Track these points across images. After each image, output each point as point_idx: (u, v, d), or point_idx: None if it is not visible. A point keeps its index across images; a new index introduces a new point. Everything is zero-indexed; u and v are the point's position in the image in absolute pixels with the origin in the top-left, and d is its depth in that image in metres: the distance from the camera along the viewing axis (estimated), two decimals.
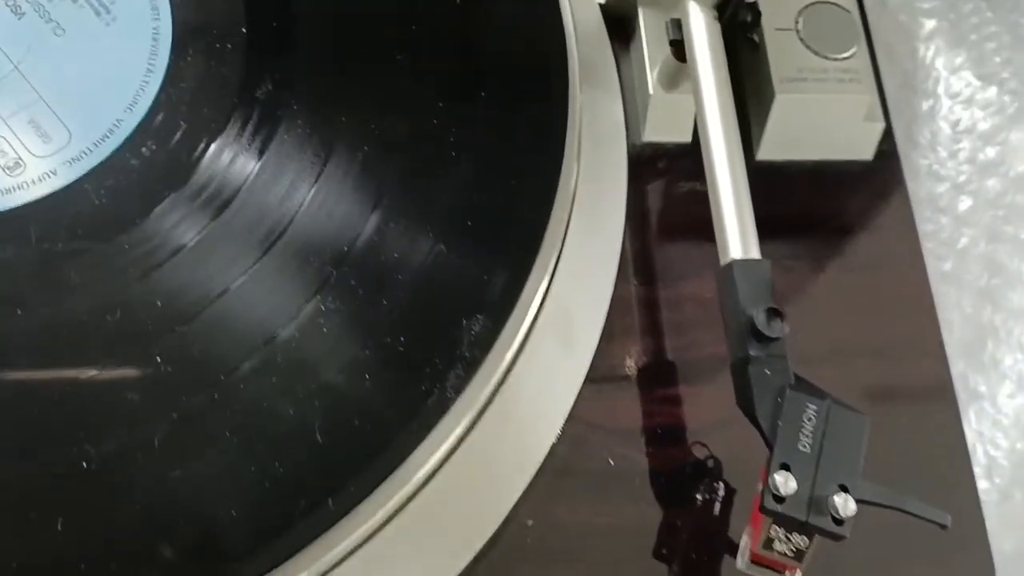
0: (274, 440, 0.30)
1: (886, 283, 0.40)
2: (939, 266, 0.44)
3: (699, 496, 0.35)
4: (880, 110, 0.41)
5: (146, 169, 0.34)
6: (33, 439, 0.30)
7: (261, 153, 0.34)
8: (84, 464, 0.29)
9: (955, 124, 0.47)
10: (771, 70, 0.39)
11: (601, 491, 0.34)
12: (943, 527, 0.29)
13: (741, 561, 0.31)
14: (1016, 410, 0.42)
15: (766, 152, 0.40)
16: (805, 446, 0.29)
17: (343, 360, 0.31)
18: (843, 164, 0.41)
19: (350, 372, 0.31)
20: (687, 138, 0.40)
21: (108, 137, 0.34)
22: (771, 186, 0.39)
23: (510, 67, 0.37)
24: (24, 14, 0.36)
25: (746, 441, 0.31)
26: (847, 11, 0.40)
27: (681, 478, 0.35)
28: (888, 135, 0.41)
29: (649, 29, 0.40)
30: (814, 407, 0.30)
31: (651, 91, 0.40)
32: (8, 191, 0.33)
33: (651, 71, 0.40)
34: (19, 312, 0.32)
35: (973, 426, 0.42)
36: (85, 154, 0.34)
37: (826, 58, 0.39)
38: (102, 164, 0.34)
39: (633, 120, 0.41)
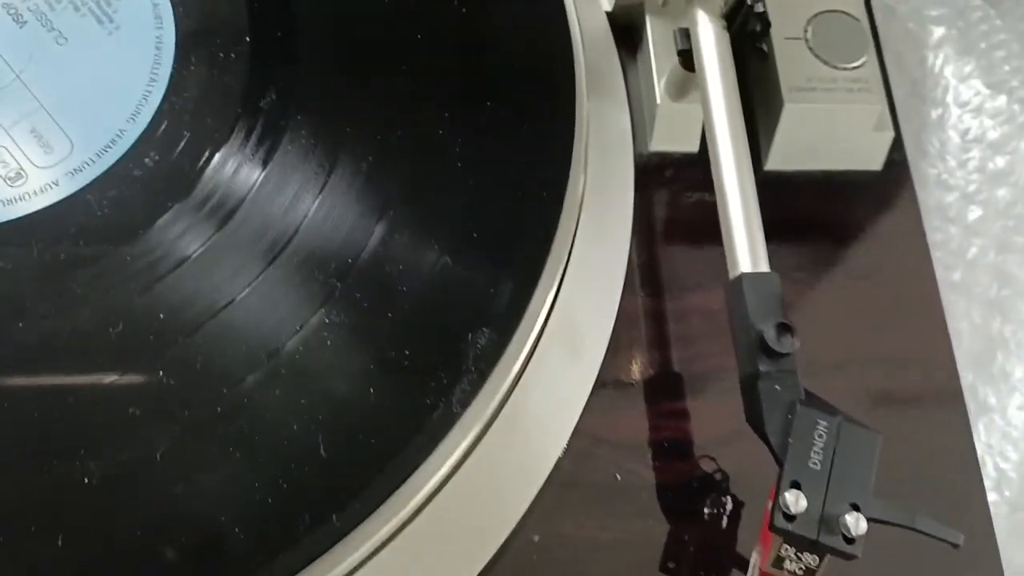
0: (278, 455, 0.30)
1: (895, 293, 0.39)
2: (948, 276, 0.44)
3: (706, 510, 0.34)
4: (890, 119, 0.40)
5: (149, 180, 0.34)
6: (33, 453, 0.30)
7: (265, 164, 0.34)
8: (85, 479, 0.29)
9: (964, 133, 0.46)
10: (780, 79, 0.39)
11: (607, 505, 0.34)
12: (955, 546, 0.28)
13: None
14: None
15: (774, 162, 0.40)
16: (816, 463, 0.29)
17: (348, 374, 0.31)
18: (852, 174, 0.41)
19: (355, 386, 0.31)
20: (694, 148, 0.40)
21: (111, 147, 0.34)
22: (779, 196, 0.39)
23: (516, 76, 0.37)
24: (26, 23, 0.36)
25: (754, 455, 0.31)
26: (857, 20, 0.40)
27: (688, 492, 0.35)
28: (898, 144, 0.41)
29: (656, 38, 0.40)
30: (825, 423, 0.29)
31: (658, 100, 0.39)
32: (9, 202, 0.33)
33: (658, 80, 0.40)
34: (20, 324, 0.31)
35: (982, 439, 0.41)
36: (87, 164, 0.34)
37: (835, 67, 0.39)
38: (104, 174, 0.34)
39: (640, 129, 0.41)
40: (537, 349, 0.34)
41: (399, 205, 0.34)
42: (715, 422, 0.36)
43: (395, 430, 0.31)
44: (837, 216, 0.41)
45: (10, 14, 0.36)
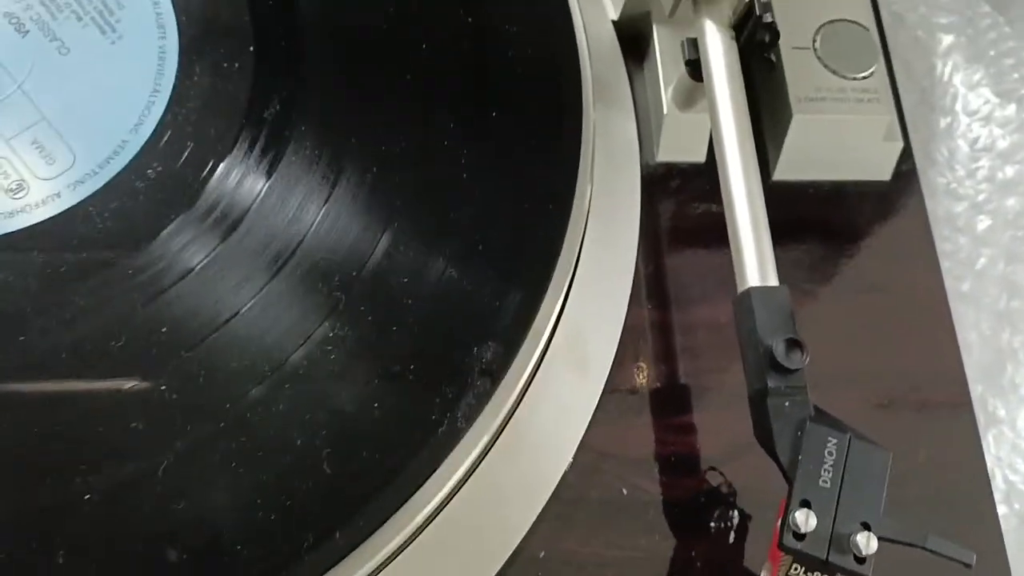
0: (281, 471, 0.30)
1: (904, 304, 0.39)
2: (957, 286, 0.43)
3: (713, 524, 0.34)
4: (899, 130, 0.40)
5: (152, 191, 0.33)
6: (33, 468, 0.29)
7: (269, 175, 0.34)
8: (86, 494, 0.29)
9: (973, 142, 0.46)
10: (788, 90, 0.38)
11: (613, 521, 0.34)
12: (968, 566, 0.28)
13: None
14: None
15: (782, 173, 0.40)
16: (826, 481, 0.28)
17: (351, 388, 0.31)
18: (860, 184, 0.41)
19: (359, 401, 0.31)
20: (701, 158, 0.40)
21: (113, 158, 0.34)
22: (787, 207, 0.39)
23: (522, 85, 0.37)
24: (28, 32, 0.36)
25: (761, 468, 0.31)
26: (866, 29, 0.40)
27: (695, 507, 0.34)
28: (906, 154, 0.41)
29: (663, 47, 0.40)
30: (835, 441, 0.29)
31: (665, 110, 0.39)
32: (11, 214, 0.33)
33: (665, 90, 0.39)
34: (22, 338, 0.31)
35: (992, 451, 0.41)
36: (90, 176, 0.34)
37: (844, 77, 0.39)
38: (107, 186, 0.33)
39: (647, 139, 0.40)
40: (543, 363, 0.33)
41: (404, 216, 0.34)
42: (722, 435, 0.35)
43: (400, 445, 0.30)
44: (845, 226, 0.40)
45: (12, 23, 0.36)
